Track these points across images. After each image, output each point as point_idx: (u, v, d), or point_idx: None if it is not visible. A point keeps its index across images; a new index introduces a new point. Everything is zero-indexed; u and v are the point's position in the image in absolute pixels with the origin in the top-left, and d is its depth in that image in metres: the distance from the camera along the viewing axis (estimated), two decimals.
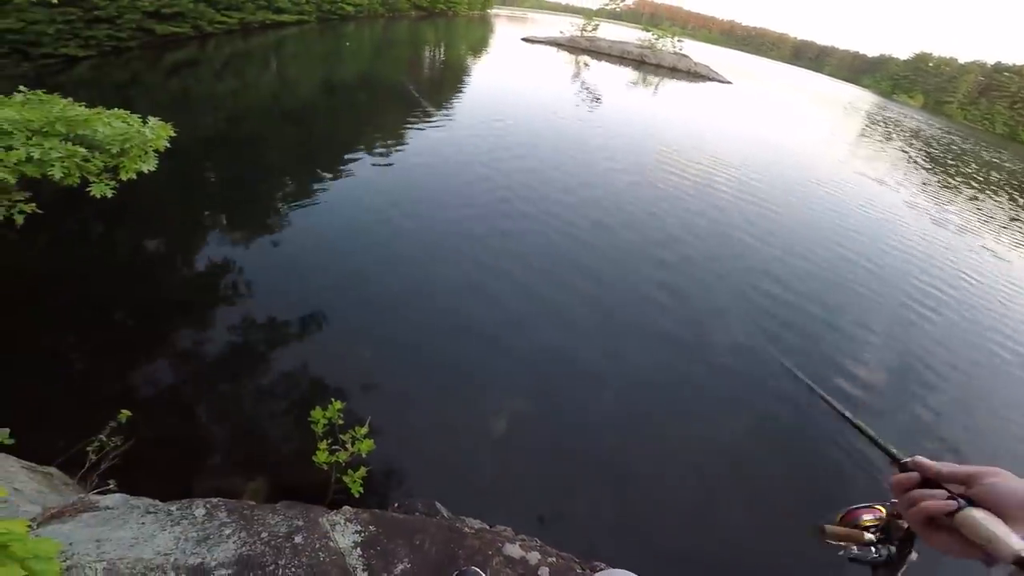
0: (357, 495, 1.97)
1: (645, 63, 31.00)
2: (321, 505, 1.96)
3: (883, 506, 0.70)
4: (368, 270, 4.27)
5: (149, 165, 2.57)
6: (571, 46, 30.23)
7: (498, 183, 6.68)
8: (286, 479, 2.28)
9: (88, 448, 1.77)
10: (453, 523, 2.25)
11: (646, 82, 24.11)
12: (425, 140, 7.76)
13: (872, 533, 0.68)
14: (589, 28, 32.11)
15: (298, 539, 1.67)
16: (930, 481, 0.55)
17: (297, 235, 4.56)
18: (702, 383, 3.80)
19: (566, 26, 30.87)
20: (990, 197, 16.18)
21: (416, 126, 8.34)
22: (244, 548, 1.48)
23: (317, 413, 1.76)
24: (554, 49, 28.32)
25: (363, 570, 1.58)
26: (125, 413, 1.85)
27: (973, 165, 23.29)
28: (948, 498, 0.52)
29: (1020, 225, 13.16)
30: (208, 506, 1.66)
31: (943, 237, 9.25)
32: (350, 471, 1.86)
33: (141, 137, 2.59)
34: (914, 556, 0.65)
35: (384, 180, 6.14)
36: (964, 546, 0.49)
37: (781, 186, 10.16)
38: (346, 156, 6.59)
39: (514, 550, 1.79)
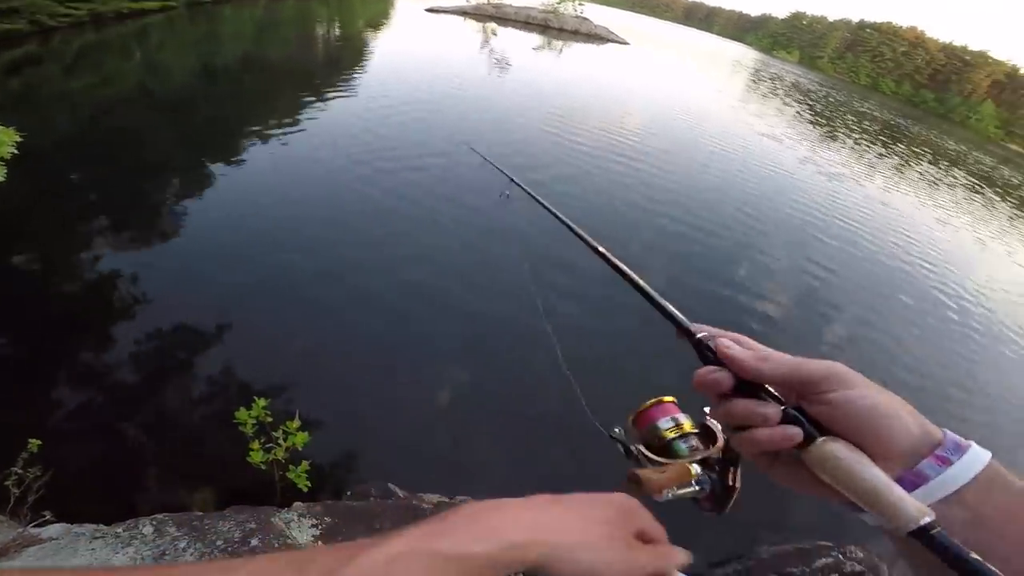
0: (306, 489, 1.94)
1: (549, 27, 31.20)
2: (271, 505, 1.92)
3: (674, 399, 0.50)
4: (275, 258, 4.05)
5: None
6: (477, 14, 29.60)
7: (402, 155, 6.50)
8: (231, 484, 2.19)
9: (7, 483, 1.67)
10: (410, 501, 2.29)
11: (550, 46, 24.32)
12: (321, 119, 7.33)
13: (681, 447, 0.46)
14: None
15: (254, 541, 1.64)
16: (747, 382, 0.40)
17: (192, 232, 4.20)
18: (624, 331, 4.07)
19: None
20: (870, 145, 18.39)
21: (311, 106, 7.82)
22: (202, 559, 1.45)
23: (242, 414, 1.69)
24: (461, 18, 27.58)
25: None
26: (35, 442, 1.74)
27: (850, 116, 26.16)
28: (784, 417, 0.38)
29: (899, 172, 15.10)
30: (155, 523, 1.61)
31: (835, 189, 10.34)
32: (292, 467, 1.83)
33: None
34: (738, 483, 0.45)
35: (280, 163, 5.76)
36: (820, 486, 0.37)
37: (675, 144, 10.81)
38: (235, 143, 6.08)
39: None
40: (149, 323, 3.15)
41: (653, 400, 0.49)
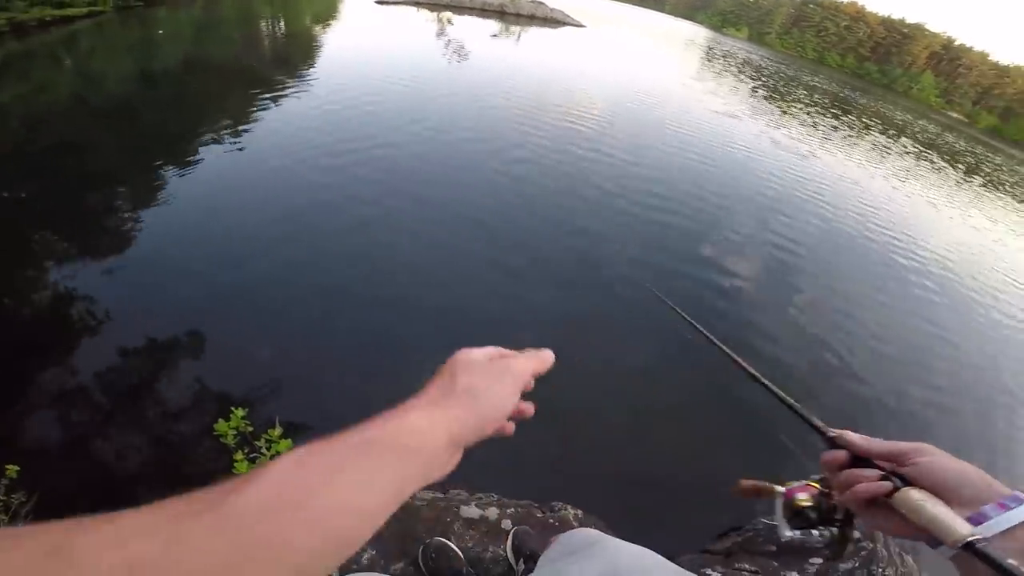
0: None
1: (506, 13, 30.89)
2: None
3: (816, 482, 0.67)
4: (241, 262, 3.91)
5: None
6: (431, 4, 28.93)
7: (355, 150, 6.32)
8: None
9: None
10: None
11: (508, 32, 24.11)
12: (272, 120, 7.03)
13: (811, 513, 0.64)
14: None
15: None
16: (860, 459, 0.54)
17: (150, 242, 3.99)
18: (604, 323, 4.10)
19: None
20: (821, 117, 19.02)
21: (261, 107, 7.49)
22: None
23: (221, 426, 1.62)
24: (413, 9, 26.91)
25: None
26: (13, 468, 1.69)
27: (801, 90, 27.02)
28: (882, 477, 0.50)
29: (852, 143, 15.66)
30: None
31: (792, 162, 10.65)
32: None
33: None
34: (856, 535, 0.66)
35: (234, 166, 5.52)
36: (906, 527, 0.48)
37: (634, 124, 10.92)
38: (185, 148, 5.78)
39: (471, 511, 1.82)
40: (114, 339, 2.99)
41: (800, 483, 0.67)
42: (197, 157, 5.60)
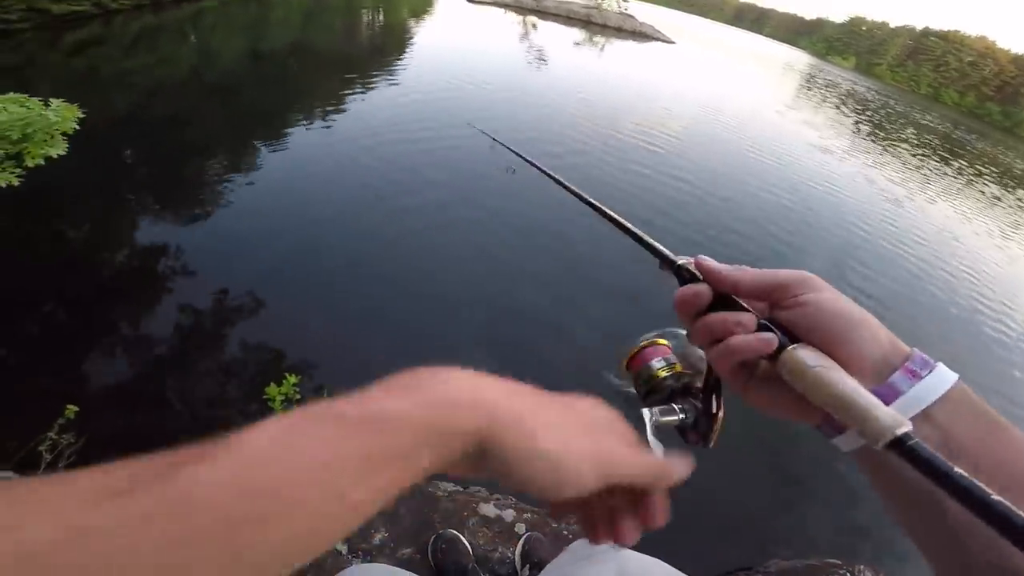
0: None
1: (591, 23, 30.75)
2: None
3: (663, 339, 0.50)
4: (312, 240, 4.15)
5: (58, 149, 2.37)
6: (518, 7, 29.48)
7: (443, 144, 6.54)
8: None
9: (40, 448, 1.70)
10: (425, 488, 2.33)
11: (592, 42, 23.96)
12: (362, 107, 7.44)
13: (667, 382, 0.46)
14: None
15: None
16: (724, 297, 0.39)
17: (232, 211, 4.35)
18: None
19: None
20: (927, 159, 17.37)
21: (355, 92, 7.98)
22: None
23: (272, 390, 1.75)
24: (501, 11, 27.54)
25: (341, 544, 1.62)
26: (72, 408, 1.78)
27: (910, 128, 24.78)
28: (759, 325, 0.36)
29: (960, 191, 14.18)
30: None
31: (887, 209, 9.78)
32: None
33: (44, 121, 2.37)
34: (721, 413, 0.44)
35: (323, 147, 5.89)
36: (796, 404, 0.35)
37: (715, 149, 10.49)
38: (279, 126, 6.26)
39: (489, 509, 1.85)
40: (188, 296, 3.28)
41: (646, 342, 0.49)
42: (287, 136, 6.05)
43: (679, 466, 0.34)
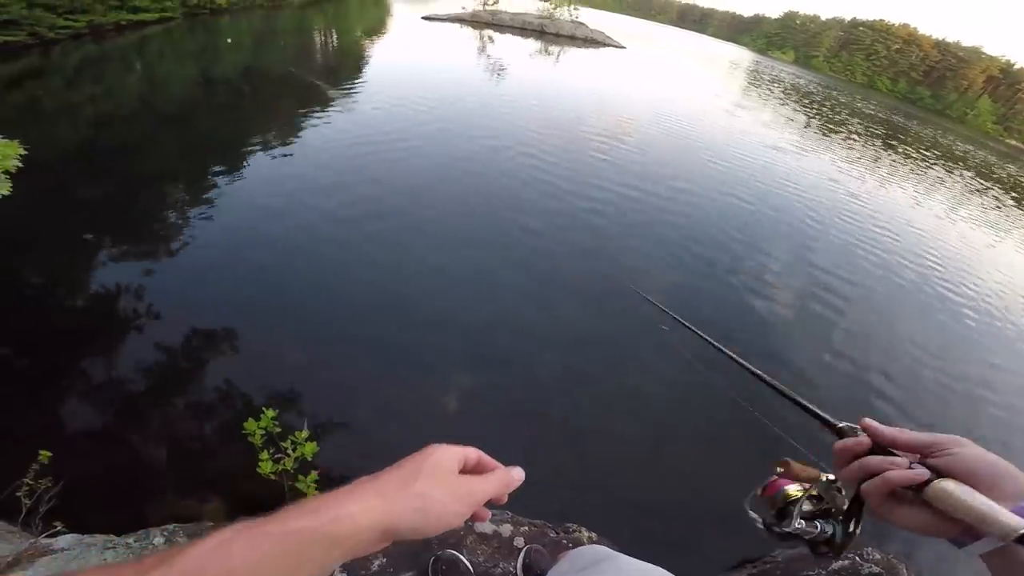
0: None
1: (545, 33, 31.39)
2: None
3: (817, 472, 0.60)
4: (280, 268, 4.06)
5: (2, 190, 2.24)
6: (474, 21, 29.76)
7: (407, 160, 6.53)
8: (241, 495, 2.18)
9: (18, 493, 1.68)
10: None
11: (547, 52, 24.43)
12: (324, 127, 7.38)
13: (813, 504, 0.58)
14: (491, 2, 31.75)
15: None
16: (880, 449, 0.49)
17: (196, 244, 4.21)
18: (632, 342, 4.06)
19: (468, 2, 30.35)
20: (875, 147, 18.28)
21: (313, 114, 7.88)
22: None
23: (251, 425, 1.68)
24: (457, 26, 27.75)
25: (340, 571, 1.57)
26: (45, 453, 1.75)
27: (856, 118, 26.08)
28: (908, 467, 0.46)
29: (907, 174, 14.95)
30: (166, 533, 1.61)
31: (843, 196, 10.18)
32: (301, 477, 1.82)
33: None
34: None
35: (284, 171, 5.79)
36: (935, 522, 0.45)
37: (677, 151, 10.80)
38: (238, 153, 6.11)
39: (486, 526, 1.83)
40: (155, 335, 3.15)
41: (781, 470, 0.60)
42: (246, 163, 5.91)
43: (516, 476, 0.52)
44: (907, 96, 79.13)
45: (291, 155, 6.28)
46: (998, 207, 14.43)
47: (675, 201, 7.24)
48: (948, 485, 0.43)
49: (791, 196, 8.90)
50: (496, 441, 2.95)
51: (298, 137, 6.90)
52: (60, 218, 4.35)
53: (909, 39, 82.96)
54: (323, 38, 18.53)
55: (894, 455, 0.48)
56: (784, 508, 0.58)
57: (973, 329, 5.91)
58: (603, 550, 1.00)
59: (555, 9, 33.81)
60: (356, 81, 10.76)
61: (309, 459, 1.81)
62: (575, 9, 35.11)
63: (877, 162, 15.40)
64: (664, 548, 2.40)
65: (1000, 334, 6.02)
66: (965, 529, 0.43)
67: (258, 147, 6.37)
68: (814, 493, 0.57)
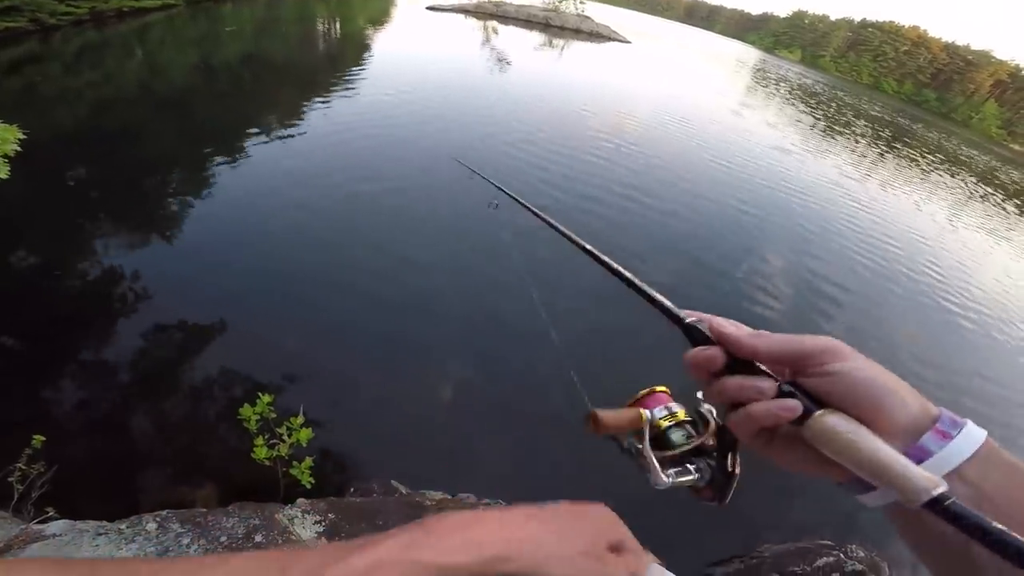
0: (309, 486, 1.94)
1: (550, 26, 31.16)
2: (275, 501, 1.93)
3: (666, 388, 0.49)
4: (277, 255, 4.06)
5: (0, 174, 2.24)
6: (478, 12, 29.55)
7: (408, 152, 6.51)
8: (234, 480, 2.20)
9: (10, 479, 1.68)
10: (413, 498, 2.30)
11: (552, 45, 24.26)
12: (323, 116, 7.35)
13: (675, 437, 0.45)
14: None
15: (258, 538, 1.65)
16: (741, 361, 0.38)
17: (194, 230, 4.21)
18: (618, 326, 4.06)
19: None
20: (884, 150, 18.14)
21: (314, 102, 7.84)
22: (206, 555, 1.46)
23: (246, 410, 1.70)
24: (461, 16, 27.56)
25: None
26: (39, 438, 1.75)
27: (863, 120, 25.92)
28: (780, 391, 0.37)
29: (910, 178, 14.83)
30: (158, 519, 1.62)
31: (850, 198, 10.09)
32: (295, 463, 1.83)
33: None
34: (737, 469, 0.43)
35: (283, 159, 5.77)
36: (817, 463, 0.36)
37: (680, 152, 10.75)
38: (236, 143, 6.08)
39: None
40: (152, 320, 3.15)
41: (645, 391, 0.48)
42: (246, 150, 5.89)
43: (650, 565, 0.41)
44: (912, 98, 78.75)
45: (290, 143, 6.27)
46: (1001, 214, 14.41)
47: (674, 201, 7.22)
48: (829, 421, 0.34)
49: (792, 199, 8.88)
50: (492, 429, 2.97)
51: (297, 126, 6.87)
52: (57, 202, 4.34)
53: (918, 41, 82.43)
54: (326, 27, 18.40)
55: (759, 371, 0.38)
56: (655, 437, 0.45)
57: (969, 335, 5.92)
58: None
59: (561, 2, 33.57)
60: (357, 71, 10.71)
61: (304, 445, 1.82)
62: (581, 3, 34.86)
63: (881, 165, 15.35)
64: (659, 543, 2.42)
65: (997, 343, 6.02)
66: (855, 475, 0.35)
67: (257, 135, 6.35)
68: (682, 418, 0.45)
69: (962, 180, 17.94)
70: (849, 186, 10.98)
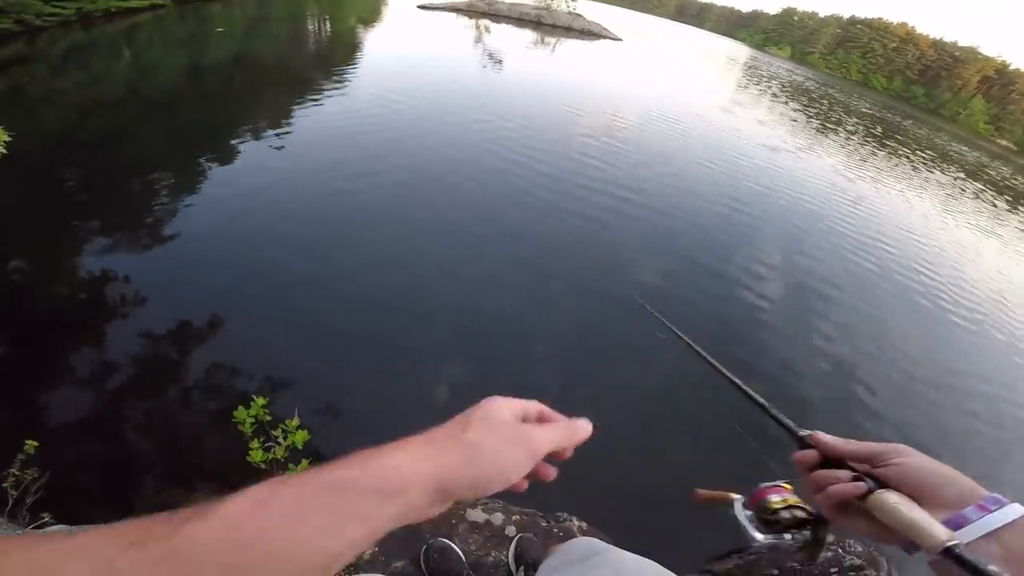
0: None
1: (542, 24, 31.18)
2: None
3: (789, 483, 0.65)
4: (271, 257, 4.02)
5: None
6: (470, 11, 29.48)
7: (398, 151, 6.48)
8: (229, 484, 2.11)
9: (4, 484, 1.65)
10: None
11: (544, 43, 24.26)
12: (314, 116, 7.30)
13: (782, 515, 0.61)
14: None
15: None
16: (832, 460, 0.52)
17: (185, 232, 4.15)
18: (625, 339, 4.07)
19: None
20: (875, 146, 18.33)
21: (304, 102, 7.78)
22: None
23: (240, 413, 1.67)
24: (453, 15, 27.48)
25: None
26: (32, 443, 1.72)
27: (854, 117, 26.08)
28: (854, 478, 0.48)
29: (907, 175, 14.93)
30: None
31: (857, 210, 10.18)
32: (291, 466, 1.81)
33: None
34: (830, 538, 0.61)
35: (273, 160, 5.72)
36: (880, 531, 0.46)
37: (661, 152, 10.78)
38: (226, 144, 6.03)
39: (477, 514, 1.83)
40: (144, 322, 3.12)
41: (771, 484, 0.65)
42: (236, 152, 5.83)
43: (582, 426, 0.51)
44: (901, 94, 79.53)
45: (281, 143, 6.21)
46: (991, 209, 14.58)
47: (665, 200, 7.24)
48: (885, 497, 0.45)
49: (784, 199, 8.91)
50: None
51: (288, 126, 6.82)
52: (45, 204, 4.27)
53: (907, 38, 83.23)
54: (316, 26, 18.27)
55: (844, 466, 0.50)
56: (768, 517, 0.62)
57: (961, 336, 5.96)
58: (596, 543, 0.99)
59: (552, 1, 33.59)
60: (348, 70, 10.64)
61: (300, 447, 1.80)
62: (572, 1, 34.90)
63: (873, 163, 15.47)
64: (653, 539, 2.43)
65: (990, 342, 6.08)
66: (906, 539, 0.44)
67: (247, 135, 6.29)
68: (792, 503, 0.62)
69: (951, 176, 18.14)
70: (842, 184, 11.05)
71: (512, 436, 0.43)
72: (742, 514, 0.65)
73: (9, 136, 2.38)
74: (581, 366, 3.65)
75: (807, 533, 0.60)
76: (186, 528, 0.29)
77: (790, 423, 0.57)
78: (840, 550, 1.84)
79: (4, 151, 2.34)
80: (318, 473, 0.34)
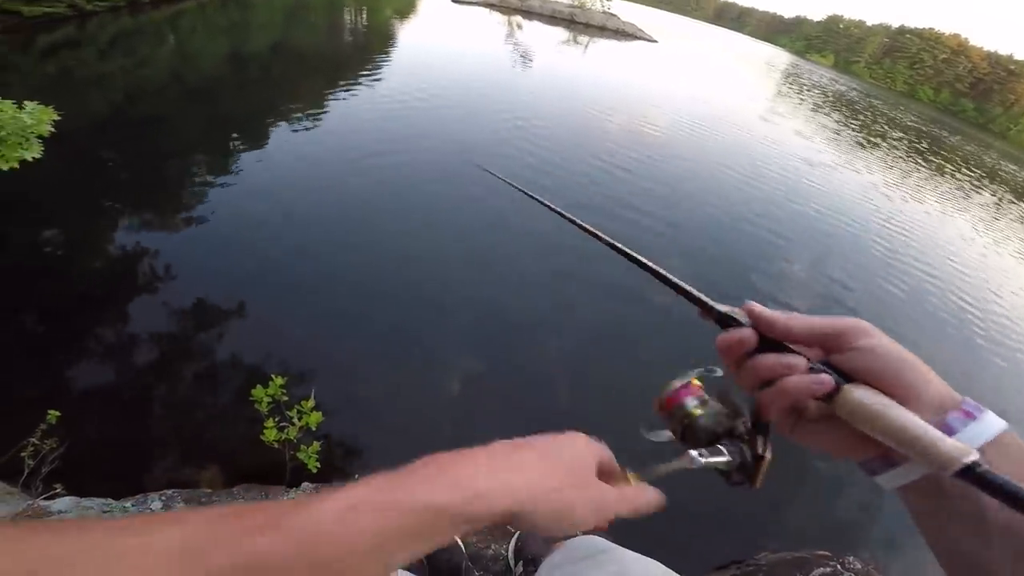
0: (315, 471, 1.98)
1: (575, 22, 30.94)
2: (280, 485, 1.96)
3: (699, 378, 0.49)
4: (296, 243, 4.11)
5: (33, 152, 2.32)
6: (503, 7, 29.49)
7: (431, 143, 6.55)
8: (240, 463, 2.24)
9: (23, 453, 1.68)
10: None
11: (576, 41, 24.06)
12: (346, 111, 7.39)
13: (705, 422, 0.46)
14: None
15: None
16: (770, 343, 0.38)
17: (214, 214, 4.28)
18: (644, 329, 4.03)
19: None
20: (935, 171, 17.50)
21: (336, 97, 7.91)
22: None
23: (259, 391, 1.73)
24: (486, 10, 27.54)
25: None
26: (54, 413, 1.76)
27: (901, 132, 24.93)
28: (807, 370, 0.37)
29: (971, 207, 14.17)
30: (163, 498, 1.65)
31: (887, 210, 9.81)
32: (303, 447, 1.87)
33: (18, 123, 2.33)
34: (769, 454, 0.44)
35: (305, 152, 5.82)
36: (843, 442, 0.37)
37: (705, 157, 10.58)
38: (262, 130, 6.18)
39: None
40: (171, 301, 3.23)
41: (680, 383, 0.48)
42: (270, 139, 5.98)
43: (651, 498, 0.43)
44: (949, 107, 76.12)
45: (315, 133, 6.35)
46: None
47: (696, 209, 7.12)
48: (859, 394, 0.34)
49: (823, 214, 8.57)
50: (500, 424, 2.98)
51: (322, 116, 6.96)
52: (86, 183, 4.47)
53: (959, 49, 79.57)
54: (353, 17, 18.55)
55: (789, 350, 0.38)
56: (687, 427, 0.46)
57: (998, 374, 5.60)
58: (600, 541, 0.98)
59: None
60: (383, 61, 10.78)
61: (313, 428, 1.85)
62: (607, 0, 34.51)
63: (919, 180, 14.77)
64: (652, 539, 2.41)
65: None
66: (882, 452, 0.35)
67: (282, 123, 6.45)
68: (714, 407, 0.47)
69: (1000, 197, 17.23)
70: (884, 204, 10.47)
71: (593, 499, 0.39)
72: (664, 436, 0.48)
73: (58, 116, 2.50)
74: (591, 358, 3.63)
75: (736, 448, 0.44)
76: (262, 539, 0.27)
77: (705, 297, 0.42)
78: (839, 565, 1.80)
79: (53, 130, 2.45)
80: (404, 489, 0.31)
